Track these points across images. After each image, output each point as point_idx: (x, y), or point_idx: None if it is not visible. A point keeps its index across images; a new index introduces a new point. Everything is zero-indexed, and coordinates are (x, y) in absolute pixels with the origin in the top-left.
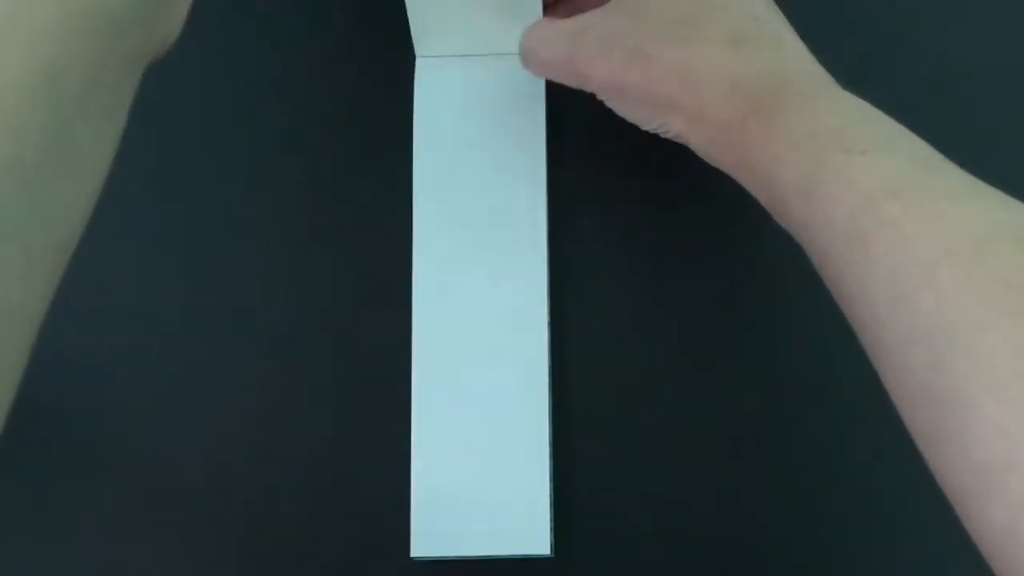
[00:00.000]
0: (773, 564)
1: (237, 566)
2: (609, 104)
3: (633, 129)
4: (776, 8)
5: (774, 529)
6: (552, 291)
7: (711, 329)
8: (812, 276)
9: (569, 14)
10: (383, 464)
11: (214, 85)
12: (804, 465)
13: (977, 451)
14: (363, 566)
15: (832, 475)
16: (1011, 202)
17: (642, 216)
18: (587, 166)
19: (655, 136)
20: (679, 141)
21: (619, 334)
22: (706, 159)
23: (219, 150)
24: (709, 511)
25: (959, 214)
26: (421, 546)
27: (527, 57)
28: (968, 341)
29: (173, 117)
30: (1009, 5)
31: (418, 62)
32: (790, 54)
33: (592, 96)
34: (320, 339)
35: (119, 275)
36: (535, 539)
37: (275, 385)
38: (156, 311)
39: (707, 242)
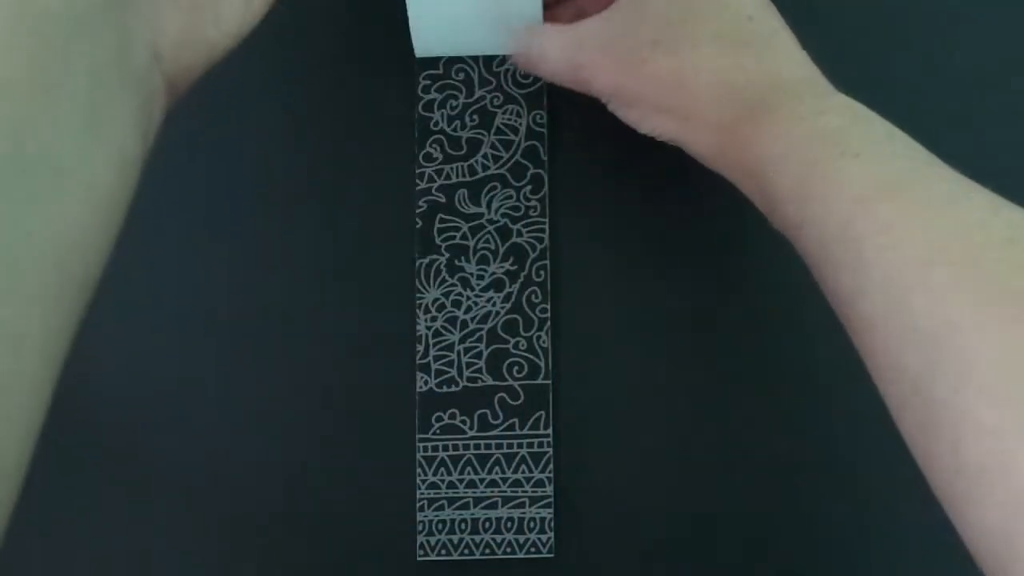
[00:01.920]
0: (774, 564)
1: (244, 566)
2: (610, 108)
3: (633, 131)
4: (772, 8)
5: (775, 529)
6: (552, 291)
7: (712, 328)
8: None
9: (571, 14)
10: (388, 464)
11: (213, 85)
12: (805, 465)
13: (969, 452)
14: (368, 567)
15: (834, 476)
16: (1003, 203)
17: (643, 216)
18: (587, 168)
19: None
20: (674, 144)
21: (620, 334)
22: (701, 162)
23: (216, 152)
24: (709, 511)
25: (952, 216)
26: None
27: (530, 64)
28: (961, 342)
29: (171, 117)
30: (1005, 9)
31: None
32: (783, 56)
33: (591, 98)
34: (323, 340)
35: (120, 279)
36: None
37: (279, 385)
38: (156, 309)
39: (708, 241)
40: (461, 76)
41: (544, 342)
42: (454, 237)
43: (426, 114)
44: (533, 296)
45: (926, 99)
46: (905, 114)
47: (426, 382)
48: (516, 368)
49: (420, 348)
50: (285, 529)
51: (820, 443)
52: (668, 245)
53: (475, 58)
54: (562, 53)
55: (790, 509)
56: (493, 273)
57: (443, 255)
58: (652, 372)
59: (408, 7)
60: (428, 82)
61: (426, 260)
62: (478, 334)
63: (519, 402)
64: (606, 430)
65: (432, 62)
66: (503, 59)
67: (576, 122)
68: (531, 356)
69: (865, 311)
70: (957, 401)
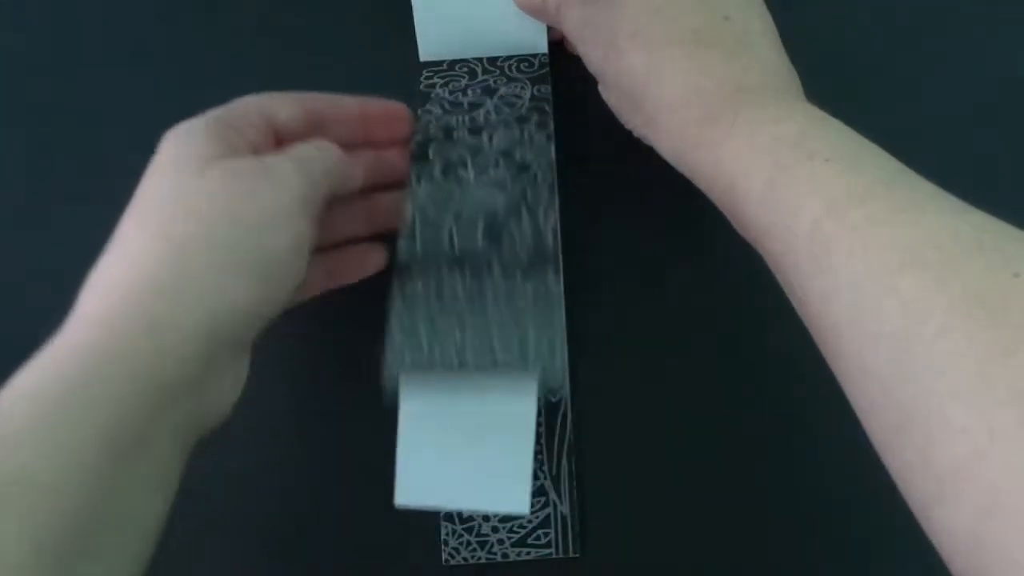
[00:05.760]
0: (778, 566)
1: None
2: (600, 88)
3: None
4: (755, 7)
5: (783, 530)
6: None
7: (715, 328)
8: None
9: None
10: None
11: (212, 85)
12: (815, 465)
13: (940, 456)
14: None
15: (848, 476)
16: (970, 209)
17: (643, 216)
18: (587, 167)
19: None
20: (645, 142)
21: (620, 335)
22: (671, 163)
23: None
24: (730, 512)
25: (922, 221)
26: (403, 496)
27: (539, 13)
28: (932, 345)
29: (175, 115)
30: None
31: None
32: (754, 59)
33: (590, 98)
34: (328, 339)
35: None
36: (515, 499)
37: (282, 385)
38: None
39: (710, 242)
40: (465, 71)
41: None
42: None
43: (426, 115)
44: None
45: (899, 106)
46: (882, 124)
47: None
48: None
49: None
50: (302, 533)
51: (829, 444)
52: (669, 245)
53: (478, 59)
54: (570, 23)
55: (798, 509)
56: None
57: None
58: (654, 373)
59: (414, 11)
60: (429, 82)
61: None
62: None
63: None
64: (607, 431)
65: (434, 64)
66: (506, 58)
67: (575, 123)
68: None
69: (832, 314)
70: (928, 403)
